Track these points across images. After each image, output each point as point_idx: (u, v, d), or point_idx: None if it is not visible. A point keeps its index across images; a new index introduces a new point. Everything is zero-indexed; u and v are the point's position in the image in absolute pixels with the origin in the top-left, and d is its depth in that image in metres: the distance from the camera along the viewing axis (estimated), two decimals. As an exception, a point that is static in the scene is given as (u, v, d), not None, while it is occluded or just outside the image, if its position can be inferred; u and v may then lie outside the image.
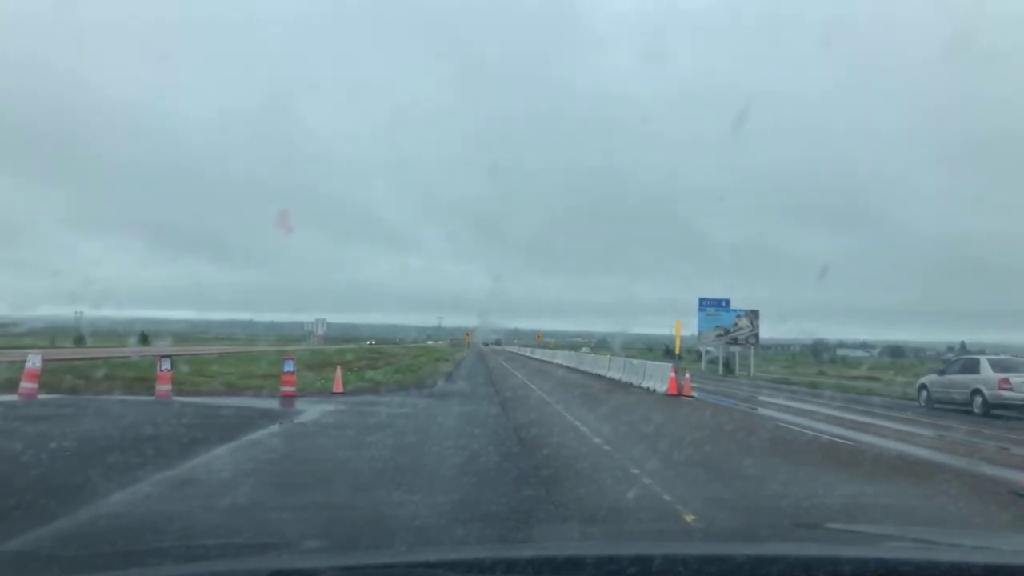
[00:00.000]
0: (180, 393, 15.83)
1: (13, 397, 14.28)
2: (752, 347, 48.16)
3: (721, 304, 48.42)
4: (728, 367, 47.09)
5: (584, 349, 68.76)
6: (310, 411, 13.90)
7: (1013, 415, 18.11)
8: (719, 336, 47.81)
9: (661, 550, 2.10)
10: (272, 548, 2.78)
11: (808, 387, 31.51)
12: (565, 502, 6.74)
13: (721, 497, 7.38)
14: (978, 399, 19.01)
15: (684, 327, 49.25)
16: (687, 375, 23.98)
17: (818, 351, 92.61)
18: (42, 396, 14.49)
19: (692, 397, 21.58)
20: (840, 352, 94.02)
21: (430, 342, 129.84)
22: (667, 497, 6.86)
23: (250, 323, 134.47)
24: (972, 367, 20.03)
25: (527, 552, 2.23)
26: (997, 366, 19.29)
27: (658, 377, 24.13)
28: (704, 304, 48.30)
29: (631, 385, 26.51)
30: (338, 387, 18.53)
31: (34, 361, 14.97)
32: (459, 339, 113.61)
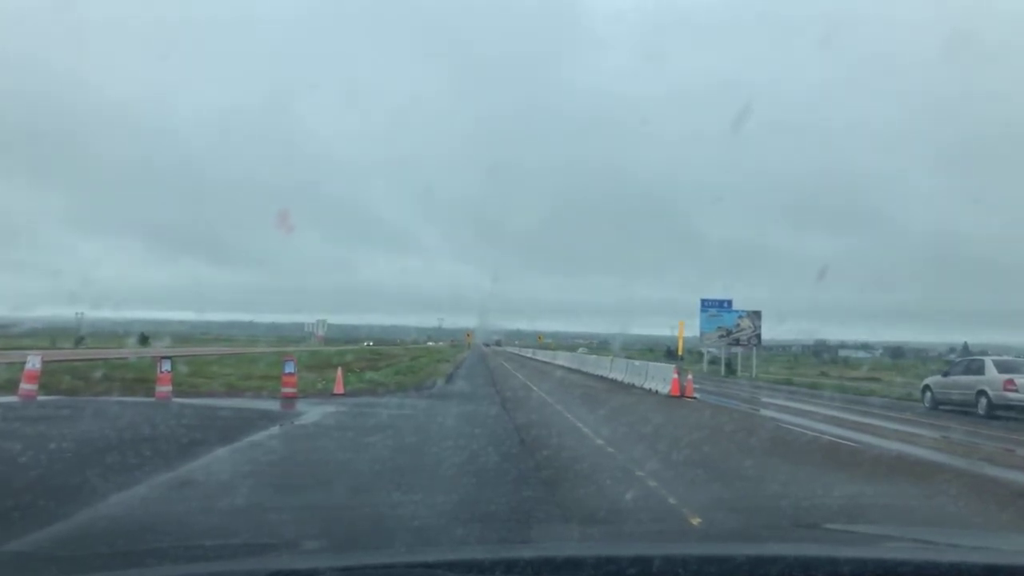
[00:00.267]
0: (180, 394, 15.82)
1: (13, 398, 14.27)
2: (754, 348, 48.17)
3: (723, 305, 48.43)
4: (730, 368, 47.11)
5: (581, 350, 68.86)
6: (311, 412, 13.90)
7: (1018, 416, 18.04)
8: (721, 337, 47.82)
9: (661, 551, 2.10)
10: (271, 549, 2.78)
11: (810, 388, 31.52)
12: (566, 503, 6.73)
13: (729, 498, 7.36)
14: (983, 400, 18.95)
15: (686, 328, 49.33)
16: (689, 376, 23.97)
17: (819, 352, 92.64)
18: (42, 397, 14.47)
19: (694, 398, 21.57)
20: (841, 353, 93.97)
21: (430, 343, 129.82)
22: (672, 500, 6.81)
23: (250, 324, 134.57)
24: (976, 368, 19.97)
25: (527, 553, 2.23)
26: (1002, 367, 19.20)
27: (660, 378, 24.12)
28: (706, 305, 48.33)
29: (633, 386, 26.50)
30: (339, 388, 18.52)
31: (34, 362, 14.95)
32: (460, 340, 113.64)
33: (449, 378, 29.37)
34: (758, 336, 48.23)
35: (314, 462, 8.96)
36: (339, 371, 19.68)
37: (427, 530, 4.02)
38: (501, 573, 1.83)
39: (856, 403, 23.26)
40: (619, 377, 30.23)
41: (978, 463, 10.86)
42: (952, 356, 60.99)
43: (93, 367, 22.10)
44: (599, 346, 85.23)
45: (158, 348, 40.97)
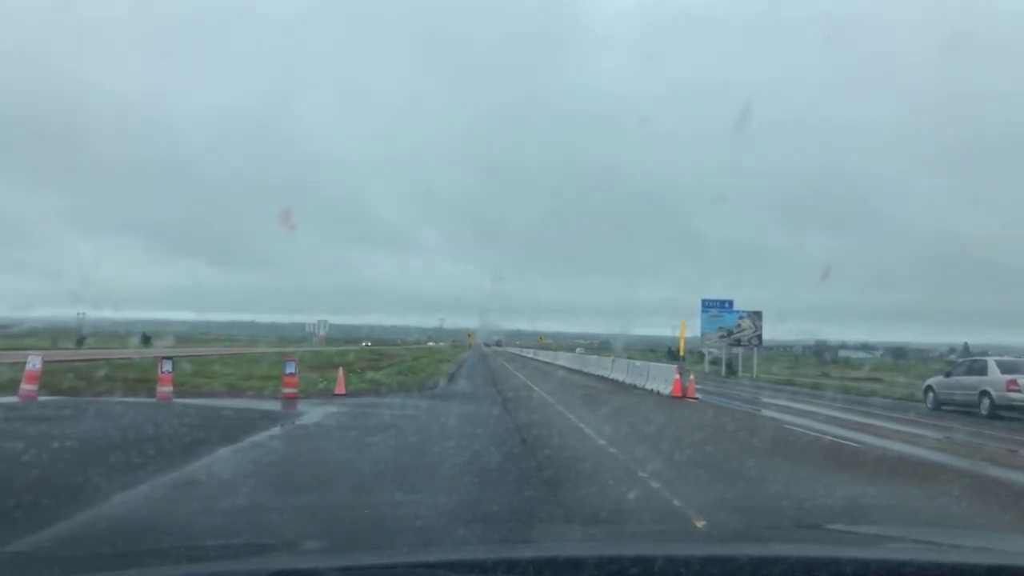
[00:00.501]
0: (181, 395, 15.82)
1: (13, 399, 14.27)
2: (755, 348, 48.14)
3: (724, 305, 48.40)
4: (731, 368, 47.10)
5: (579, 350, 68.95)
6: (312, 413, 13.90)
7: (1021, 417, 17.99)
8: (722, 337, 47.78)
9: (662, 551, 2.09)
10: (272, 549, 2.78)
11: (812, 388, 31.48)
12: (568, 503, 6.72)
13: (732, 498, 7.35)
14: (986, 401, 18.92)
15: (687, 328, 49.31)
16: (691, 377, 23.96)
17: (820, 352, 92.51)
18: (42, 398, 14.46)
19: (696, 399, 21.55)
20: (842, 353, 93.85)
21: (431, 343, 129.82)
22: (677, 503, 6.77)
23: (252, 324, 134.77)
24: (979, 369, 19.94)
25: (528, 552, 2.22)
26: (1005, 368, 19.15)
27: (662, 379, 24.11)
28: (707, 305, 48.30)
29: (634, 387, 26.49)
30: (340, 388, 18.52)
31: (34, 362, 14.92)
32: (460, 340, 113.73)
33: (451, 378, 29.38)
34: (759, 336, 48.19)
35: (315, 462, 8.95)
36: (340, 371, 19.68)
37: (429, 530, 4.01)
38: (503, 573, 1.82)
39: (858, 403, 23.23)
40: (620, 377, 30.22)
41: (981, 464, 10.84)
42: (952, 356, 60.96)
43: (94, 367, 22.12)
44: (600, 346, 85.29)
45: (159, 348, 41.00)
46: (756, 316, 47.87)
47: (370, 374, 27.23)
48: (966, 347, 64.92)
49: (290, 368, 17.36)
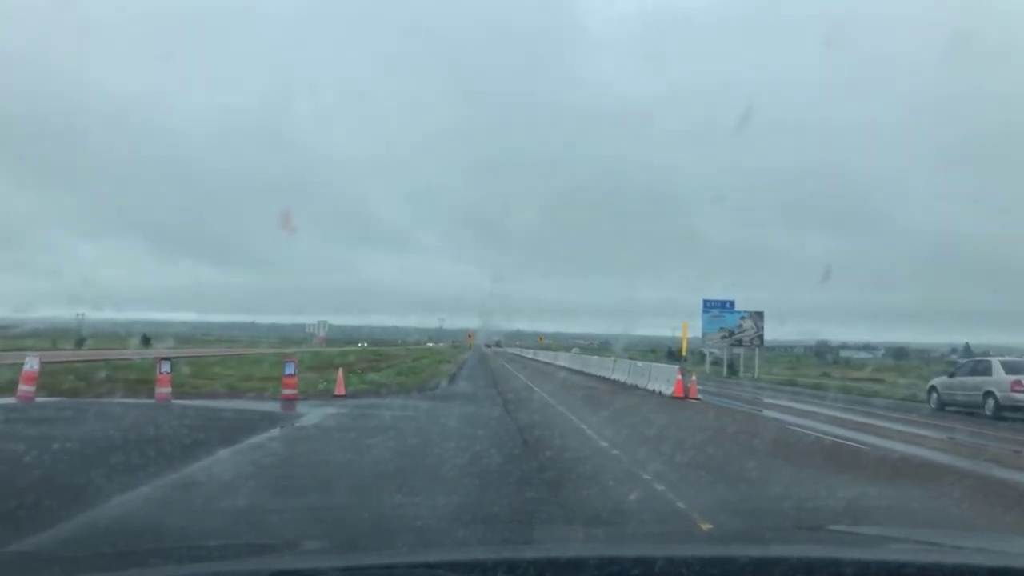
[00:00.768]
0: (180, 396, 15.78)
1: (10, 400, 14.21)
2: (756, 349, 48.13)
3: (725, 305, 48.39)
4: (732, 369, 47.10)
5: (574, 350, 69.03)
6: (312, 414, 13.89)
7: None
8: (723, 338, 47.77)
9: (663, 552, 2.09)
10: (273, 549, 2.78)
11: (814, 389, 31.46)
12: (570, 504, 6.72)
13: (733, 499, 7.34)
14: (990, 401, 18.86)
15: (689, 328, 49.31)
16: (693, 377, 23.94)
17: (821, 353, 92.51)
18: (40, 399, 14.39)
19: (698, 400, 21.53)
20: (843, 354, 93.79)
21: (431, 344, 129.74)
22: (681, 504, 6.75)
23: (251, 325, 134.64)
24: (983, 369, 19.89)
25: (529, 553, 2.22)
26: (1009, 368, 19.09)
27: (663, 379, 24.09)
28: (708, 306, 48.29)
29: (636, 387, 26.48)
30: (340, 389, 18.51)
31: (32, 363, 14.79)
32: (460, 341, 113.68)
33: (451, 379, 29.38)
34: (760, 337, 48.18)
35: (315, 464, 8.95)
36: (340, 372, 19.67)
37: (429, 531, 4.02)
38: (503, 573, 1.82)
39: (860, 404, 23.21)
40: (622, 378, 30.20)
41: (984, 464, 10.83)
42: (954, 357, 60.96)
43: (93, 368, 22.09)
44: (600, 347, 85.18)
45: (159, 349, 41.00)
46: (758, 316, 47.86)
47: (370, 375, 27.23)
48: (967, 347, 64.88)
49: (290, 369, 17.35)
